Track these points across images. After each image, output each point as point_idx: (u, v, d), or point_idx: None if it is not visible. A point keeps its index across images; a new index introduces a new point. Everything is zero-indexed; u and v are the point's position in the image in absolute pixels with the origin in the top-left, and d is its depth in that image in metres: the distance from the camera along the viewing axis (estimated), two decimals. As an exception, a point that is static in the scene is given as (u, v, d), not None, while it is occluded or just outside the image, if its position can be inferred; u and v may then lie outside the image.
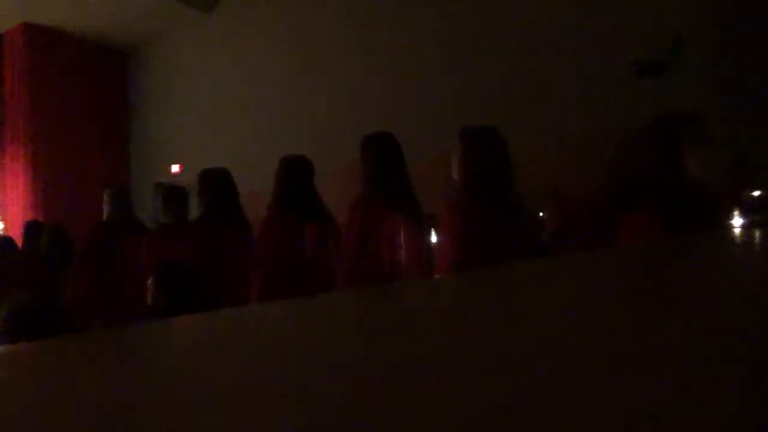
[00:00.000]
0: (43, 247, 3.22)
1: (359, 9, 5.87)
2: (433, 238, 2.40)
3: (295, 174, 2.36)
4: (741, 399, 0.25)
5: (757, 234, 1.42)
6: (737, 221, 1.77)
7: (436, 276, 1.96)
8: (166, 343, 0.66)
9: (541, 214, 3.97)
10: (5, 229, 6.96)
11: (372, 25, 5.78)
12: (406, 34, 5.47)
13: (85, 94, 7.77)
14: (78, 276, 2.78)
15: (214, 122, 7.21)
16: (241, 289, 2.27)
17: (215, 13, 7.23)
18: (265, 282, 2.18)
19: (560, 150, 4.28)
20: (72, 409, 0.37)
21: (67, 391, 0.43)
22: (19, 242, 3.81)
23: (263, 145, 6.35)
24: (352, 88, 5.84)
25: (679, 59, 3.72)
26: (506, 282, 0.89)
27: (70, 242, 3.26)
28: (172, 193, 2.85)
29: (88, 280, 2.69)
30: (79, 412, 0.36)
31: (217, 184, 2.48)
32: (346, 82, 5.92)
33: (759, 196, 2.18)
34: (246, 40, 6.93)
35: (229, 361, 0.48)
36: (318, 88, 6.16)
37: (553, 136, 4.34)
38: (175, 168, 7.75)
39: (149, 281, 2.15)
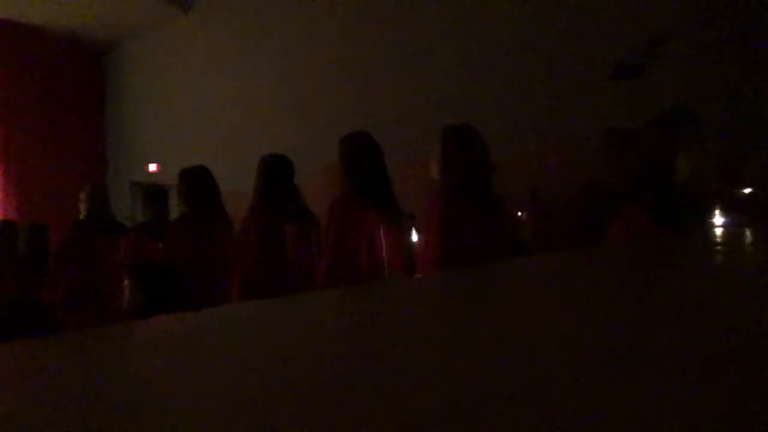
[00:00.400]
0: (21, 247, 3.18)
1: (340, 7, 5.86)
2: (414, 237, 2.41)
3: (276, 173, 2.35)
4: (733, 398, 0.25)
5: (746, 233, 1.45)
6: (725, 220, 1.80)
7: (418, 275, 1.97)
8: (145, 344, 0.65)
9: (519, 213, 4.01)
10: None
11: (352, 25, 5.77)
12: (388, 33, 5.47)
13: (59, 91, 7.61)
14: (55, 276, 2.73)
15: (193, 121, 7.13)
16: (224, 288, 2.26)
17: (194, 11, 7.15)
18: (246, 281, 2.17)
19: (540, 150, 4.32)
20: (50, 408, 0.36)
21: (46, 392, 0.42)
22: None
23: (242, 144, 6.30)
24: (332, 87, 5.82)
25: (656, 61, 3.80)
26: (490, 280, 0.90)
27: (47, 242, 3.23)
28: (152, 193, 2.84)
29: (65, 280, 2.64)
30: (57, 412, 0.35)
31: (198, 183, 2.46)
32: (326, 81, 5.89)
33: (748, 194, 2.21)
34: (225, 39, 6.86)
35: (211, 361, 0.47)
36: (297, 87, 6.13)
37: (533, 137, 4.38)
38: (152, 167, 7.64)
39: (125, 282, 2.12)
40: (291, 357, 0.46)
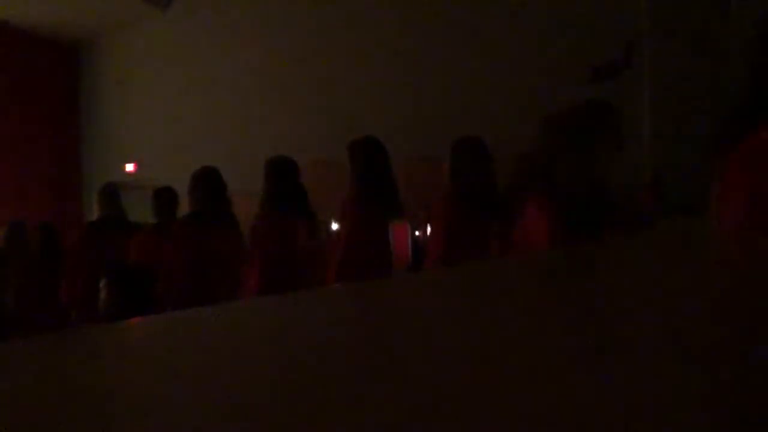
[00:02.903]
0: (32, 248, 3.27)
1: (318, 4, 5.86)
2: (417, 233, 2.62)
3: (284, 173, 2.49)
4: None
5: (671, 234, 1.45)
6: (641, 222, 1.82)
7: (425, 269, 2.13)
8: (122, 346, 0.63)
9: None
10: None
11: (330, 20, 5.77)
12: (368, 33, 5.49)
13: (32, 90, 7.45)
14: (70, 276, 2.78)
15: (171, 120, 7.05)
16: (230, 286, 2.37)
17: (172, 9, 7.07)
18: (264, 276, 2.29)
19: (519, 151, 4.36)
20: (17, 413, 0.35)
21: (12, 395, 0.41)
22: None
23: (221, 143, 6.26)
24: (312, 86, 5.82)
25: (632, 64, 3.88)
26: (491, 276, 0.91)
27: (58, 243, 3.30)
28: (162, 193, 2.91)
29: (80, 279, 2.69)
30: (23, 417, 0.34)
31: (206, 183, 2.55)
32: (304, 78, 5.89)
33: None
34: (203, 38, 6.81)
35: (210, 360, 0.46)
36: (276, 87, 6.12)
37: (513, 138, 4.42)
38: (129, 167, 7.53)
39: (101, 283, 2.09)
40: (289, 354, 0.45)
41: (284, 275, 2.28)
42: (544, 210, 1.54)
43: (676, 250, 0.98)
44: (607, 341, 0.38)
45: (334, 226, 2.65)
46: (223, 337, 0.58)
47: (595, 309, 0.51)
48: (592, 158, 1.53)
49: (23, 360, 0.56)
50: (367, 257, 2.17)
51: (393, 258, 2.25)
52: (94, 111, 7.97)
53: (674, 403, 0.25)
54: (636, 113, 3.88)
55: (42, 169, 7.36)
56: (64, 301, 2.75)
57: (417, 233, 2.93)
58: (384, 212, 2.25)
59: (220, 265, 2.41)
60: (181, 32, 7.03)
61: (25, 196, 6.92)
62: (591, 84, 4.07)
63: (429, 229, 2.28)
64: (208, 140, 6.50)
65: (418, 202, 2.87)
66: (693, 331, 0.39)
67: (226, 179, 2.58)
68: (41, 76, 7.59)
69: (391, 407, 0.28)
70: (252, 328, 0.62)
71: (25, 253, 3.24)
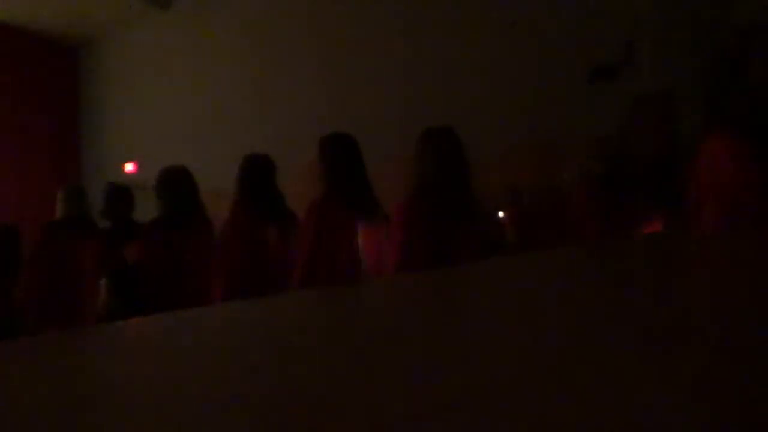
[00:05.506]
0: None
1: (318, 5, 5.85)
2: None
3: (258, 173, 2.33)
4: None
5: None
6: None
7: (393, 275, 1.95)
8: (123, 345, 0.63)
9: (501, 214, 4.05)
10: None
11: (332, 22, 5.76)
12: (368, 33, 5.47)
13: (32, 89, 7.45)
14: (28, 278, 2.67)
15: (172, 120, 7.05)
16: (202, 289, 2.24)
17: (173, 9, 7.06)
18: (229, 281, 2.15)
19: (518, 152, 4.36)
20: (23, 411, 0.35)
21: (20, 393, 0.41)
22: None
23: (222, 143, 6.24)
24: (312, 86, 5.81)
25: (631, 65, 3.88)
26: (468, 280, 0.90)
27: (19, 245, 3.17)
28: (116, 192, 2.81)
29: (38, 282, 2.58)
30: (30, 414, 0.34)
31: (176, 183, 2.42)
32: (306, 80, 5.88)
33: None
34: (204, 37, 6.80)
35: (190, 362, 0.46)
36: (277, 86, 6.11)
37: (511, 138, 4.43)
38: (129, 167, 7.53)
39: (103, 284, 2.09)
40: (269, 357, 0.45)
41: (250, 281, 2.14)
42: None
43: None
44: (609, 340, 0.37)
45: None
46: (220, 338, 0.59)
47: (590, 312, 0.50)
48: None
49: (22, 359, 0.56)
50: (334, 262, 1.98)
51: (364, 263, 2.05)
52: (94, 111, 7.96)
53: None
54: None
55: (42, 169, 7.35)
56: (18, 305, 2.63)
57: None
58: (354, 213, 2.04)
59: (192, 269, 2.28)
60: (181, 32, 7.02)
61: (24, 197, 6.91)
62: (591, 84, 4.07)
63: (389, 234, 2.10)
64: (208, 140, 6.49)
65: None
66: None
67: (226, 179, 2.49)
68: (41, 76, 7.58)
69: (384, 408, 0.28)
70: (243, 329, 0.62)
71: None
